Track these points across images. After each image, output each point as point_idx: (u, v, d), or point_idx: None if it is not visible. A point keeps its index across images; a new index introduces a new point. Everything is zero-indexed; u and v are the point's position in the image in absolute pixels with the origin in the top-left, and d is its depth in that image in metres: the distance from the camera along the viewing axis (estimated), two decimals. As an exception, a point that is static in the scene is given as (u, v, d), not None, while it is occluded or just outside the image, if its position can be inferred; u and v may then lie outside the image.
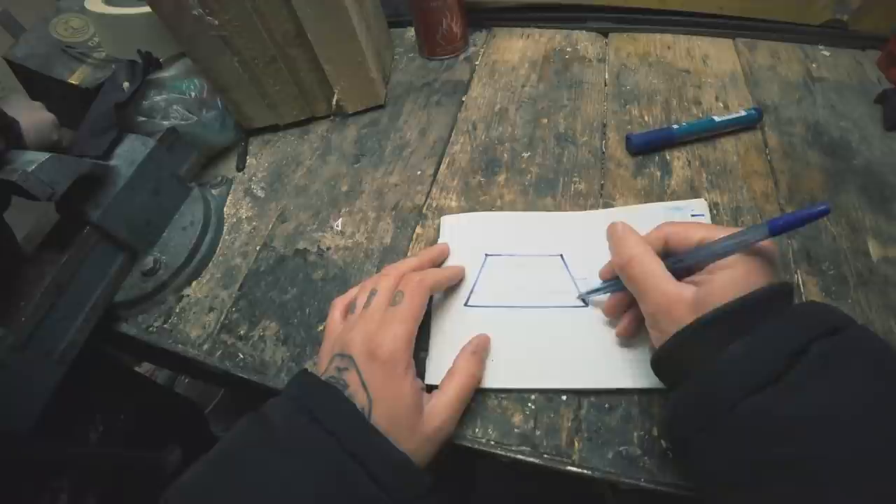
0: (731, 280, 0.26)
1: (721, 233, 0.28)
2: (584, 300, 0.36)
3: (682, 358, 0.26)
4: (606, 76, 0.55)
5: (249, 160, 0.53)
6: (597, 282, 0.36)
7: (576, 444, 0.31)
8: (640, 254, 0.29)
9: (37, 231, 0.40)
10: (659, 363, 0.28)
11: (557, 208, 0.44)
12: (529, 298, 0.37)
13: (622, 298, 0.33)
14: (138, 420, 0.51)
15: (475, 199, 0.45)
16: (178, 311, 0.42)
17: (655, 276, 0.28)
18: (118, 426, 0.49)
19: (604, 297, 0.35)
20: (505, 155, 0.49)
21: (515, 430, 0.32)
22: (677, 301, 0.27)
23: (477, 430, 0.33)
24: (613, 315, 0.34)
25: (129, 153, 0.42)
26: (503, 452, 0.32)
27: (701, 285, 0.27)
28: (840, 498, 0.20)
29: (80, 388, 0.43)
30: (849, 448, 0.21)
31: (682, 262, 0.29)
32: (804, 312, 0.25)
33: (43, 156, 0.34)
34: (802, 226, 0.26)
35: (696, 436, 0.25)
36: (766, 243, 0.27)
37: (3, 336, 0.33)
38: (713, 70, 0.54)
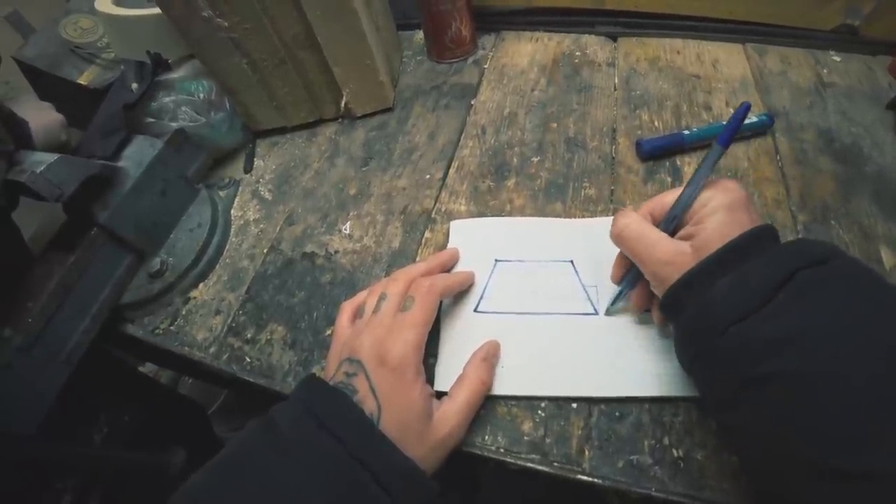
0: (719, 224, 0.27)
1: None
2: (610, 314, 0.36)
3: (684, 297, 0.27)
4: (616, 81, 0.55)
5: (257, 162, 0.53)
6: (611, 291, 0.36)
7: (586, 452, 0.31)
8: (630, 221, 0.31)
9: (44, 231, 0.40)
10: (666, 306, 0.29)
11: (567, 214, 0.43)
12: (539, 305, 0.36)
13: (642, 291, 0.33)
14: (143, 421, 0.50)
15: (484, 204, 0.45)
16: (184, 313, 0.42)
17: (651, 236, 0.30)
18: (122, 427, 0.48)
19: (625, 305, 0.35)
20: (514, 159, 0.48)
21: (525, 437, 0.32)
22: (679, 253, 0.28)
23: (486, 437, 0.32)
24: (642, 308, 0.34)
25: (138, 154, 0.42)
26: (512, 460, 0.31)
27: (695, 236, 0.28)
28: (811, 406, 0.21)
29: (85, 388, 0.42)
30: (822, 360, 0.22)
31: (668, 220, 0.30)
32: (792, 247, 0.26)
33: (51, 156, 0.34)
34: (739, 127, 0.29)
35: (695, 360, 0.27)
36: (734, 187, 0.29)
37: (9, 337, 0.33)
38: (723, 75, 0.54)
